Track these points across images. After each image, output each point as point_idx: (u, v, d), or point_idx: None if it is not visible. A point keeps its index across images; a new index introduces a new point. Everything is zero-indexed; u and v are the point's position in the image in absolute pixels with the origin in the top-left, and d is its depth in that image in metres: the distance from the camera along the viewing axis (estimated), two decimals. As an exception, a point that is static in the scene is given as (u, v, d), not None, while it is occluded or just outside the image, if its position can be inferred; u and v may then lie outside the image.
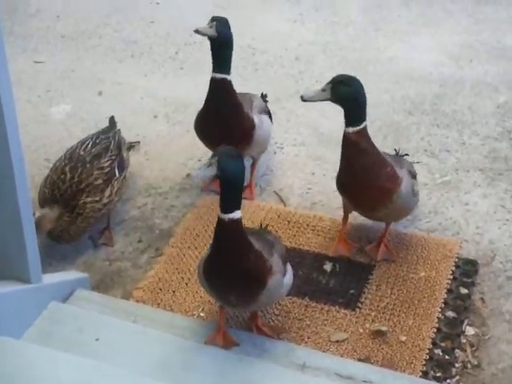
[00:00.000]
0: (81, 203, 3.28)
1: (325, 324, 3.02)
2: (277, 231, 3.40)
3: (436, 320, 3.01)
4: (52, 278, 3.02)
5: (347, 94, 2.93)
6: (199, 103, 3.46)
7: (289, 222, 3.48)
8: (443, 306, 3.07)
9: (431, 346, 2.92)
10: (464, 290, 3.15)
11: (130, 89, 4.52)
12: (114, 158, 3.45)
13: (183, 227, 3.48)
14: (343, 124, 2.99)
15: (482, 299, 3.14)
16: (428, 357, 2.88)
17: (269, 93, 3.94)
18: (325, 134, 4.05)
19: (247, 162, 3.65)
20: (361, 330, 2.99)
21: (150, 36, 5.02)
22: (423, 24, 5.06)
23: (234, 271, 2.61)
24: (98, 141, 3.50)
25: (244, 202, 3.52)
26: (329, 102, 3.01)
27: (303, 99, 2.98)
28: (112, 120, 3.76)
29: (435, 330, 2.97)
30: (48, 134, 4.15)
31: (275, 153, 3.92)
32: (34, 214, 2.88)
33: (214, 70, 3.33)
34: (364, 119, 2.96)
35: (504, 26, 5.00)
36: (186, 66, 4.67)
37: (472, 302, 3.12)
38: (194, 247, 3.37)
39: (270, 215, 3.51)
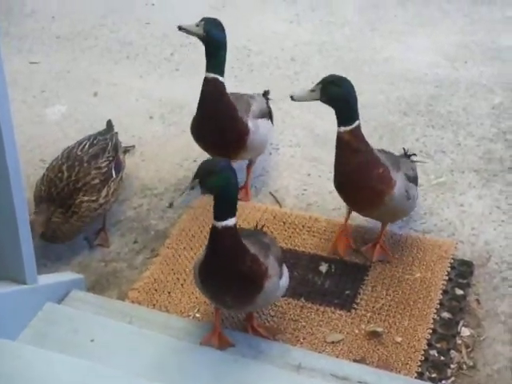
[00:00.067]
0: (77, 202, 3.28)
1: (320, 325, 3.02)
2: (272, 232, 3.40)
3: (431, 321, 3.01)
4: (47, 279, 3.02)
5: (337, 94, 2.95)
6: (195, 104, 3.45)
7: (284, 223, 3.48)
8: (439, 306, 3.07)
9: (426, 346, 2.92)
10: (459, 291, 3.15)
11: (125, 90, 4.51)
12: (111, 158, 3.46)
13: (179, 228, 3.48)
14: (338, 125, 3.00)
15: (478, 300, 3.14)
16: (423, 358, 2.88)
17: (264, 94, 3.94)
18: (320, 136, 4.05)
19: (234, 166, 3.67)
20: (356, 331, 2.99)
21: (146, 37, 5.02)
22: (419, 24, 5.06)
23: (229, 276, 2.60)
24: (95, 142, 3.51)
25: (239, 203, 3.53)
26: (324, 104, 3.02)
27: (293, 99, 3.01)
28: (109, 123, 3.77)
29: (430, 331, 2.97)
30: (43, 135, 4.15)
31: (271, 154, 3.92)
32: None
33: (207, 70, 3.33)
34: (356, 119, 2.97)
35: (499, 26, 5.01)
36: (181, 68, 4.67)
37: (467, 303, 3.12)
38: (189, 248, 3.37)
39: (266, 216, 3.51)
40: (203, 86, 3.35)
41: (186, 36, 3.35)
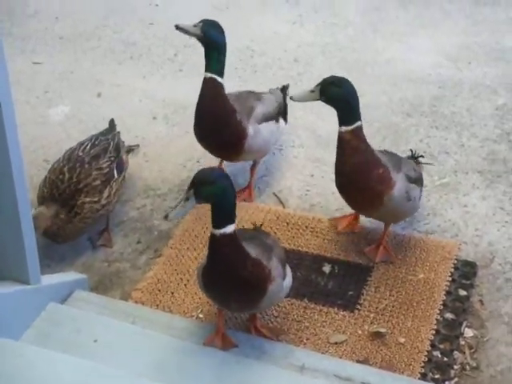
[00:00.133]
0: (79, 203, 3.28)
1: (323, 325, 3.01)
2: (275, 233, 3.40)
3: (435, 322, 3.01)
4: (51, 279, 3.02)
5: (338, 94, 2.98)
6: (198, 105, 3.46)
7: (288, 223, 3.48)
8: (442, 307, 3.07)
9: (430, 347, 2.92)
10: (463, 292, 3.15)
11: (128, 90, 4.51)
12: (112, 159, 3.45)
13: (182, 228, 3.48)
14: (340, 125, 3.01)
15: (481, 301, 3.14)
16: (427, 359, 2.88)
17: (267, 95, 3.94)
18: (323, 136, 4.05)
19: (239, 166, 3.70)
20: (359, 332, 2.99)
21: (149, 38, 5.02)
22: (421, 25, 5.06)
23: (232, 282, 2.60)
24: (96, 142, 3.50)
25: (243, 204, 3.56)
26: (326, 105, 3.04)
27: (293, 99, 3.08)
28: (112, 123, 3.76)
29: (434, 332, 2.97)
30: (46, 135, 4.15)
31: (274, 154, 3.92)
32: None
33: (206, 70, 3.33)
34: (357, 119, 2.99)
35: (503, 27, 5.00)
36: (184, 68, 4.67)
37: (471, 303, 3.12)
38: (192, 248, 3.37)
39: (269, 217, 3.51)
40: (202, 86, 3.35)
41: (189, 37, 3.35)
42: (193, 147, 3.81)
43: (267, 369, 2.73)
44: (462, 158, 3.89)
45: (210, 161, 3.81)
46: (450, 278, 3.19)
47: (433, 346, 2.93)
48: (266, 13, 5.24)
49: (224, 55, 3.32)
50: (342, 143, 3.00)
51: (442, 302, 3.09)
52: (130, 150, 3.79)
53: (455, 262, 3.26)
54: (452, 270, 3.23)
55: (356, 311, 3.07)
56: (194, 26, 3.29)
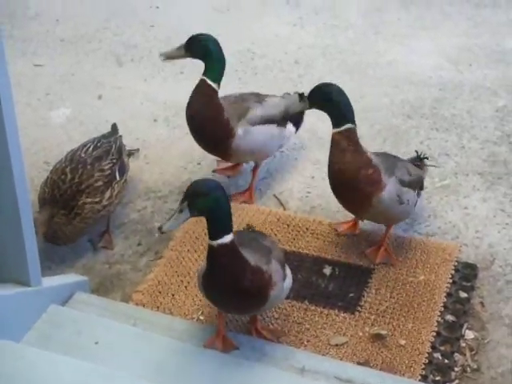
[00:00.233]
0: (80, 203, 3.28)
1: (324, 327, 3.01)
2: (276, 235, 3.41)
3: (435, 324, 3.01)
4: (51, 281, 3.02)
5: (323, 99, 3.08)
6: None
7: (288, 225, 3.48)
8: (443, 309, 3.07)
9: (430, 349, 2.92)
10: (463, 294, 3.15)
11: (129, 93, 4.52)
12: (114, 161, 3.46)
13: (183, 230, 3.48)
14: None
15: (482, 303, 3.14)
16: (427, 360, 2.88)
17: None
18: (323, 138, 4.03)
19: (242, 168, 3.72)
20: (360, 334, 2.99)
21: (150, 40, 5.02)
22: (422, 27, 5.06)
23: (232, 291, 2.59)
24: (99, 144, 3.51)
25: (243, 206, 3.56)
26: None
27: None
28: (114, 126, 3.77)
29: (434, 334, 2.97)
30: (47, 138, 4.15)
31: (275, 156, 3.92)
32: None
33: (202, 74, 3.40)
34: (348, 121, 3.03)
35: (503, 29, 5.01)
36: (185, 70, 4.67)
37: (471, 305, 3.12)
38: (193, 250, 3.37)
39: (270, 219, 3.52)
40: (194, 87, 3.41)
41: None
42: (193, 149, 3.81)
43: (268, 371, 2.73)
44: (463, 160, 3.90)
45: (211, 163, 3.83)
46: (451, 280, 3.19)
47: (433, 347, 2.93)
48: (266, 15, 5.25)
49: (217, 61, 3.38)
50: (332, 144, 3.07)
51: (442, 304, 3.09)
52: (130, 154, 3.80)
53: (456, 263, 3.26)
54: (452, 271, 3.23)
55: (357, 313, 3.07)
56: (178, 48, 3.43)
